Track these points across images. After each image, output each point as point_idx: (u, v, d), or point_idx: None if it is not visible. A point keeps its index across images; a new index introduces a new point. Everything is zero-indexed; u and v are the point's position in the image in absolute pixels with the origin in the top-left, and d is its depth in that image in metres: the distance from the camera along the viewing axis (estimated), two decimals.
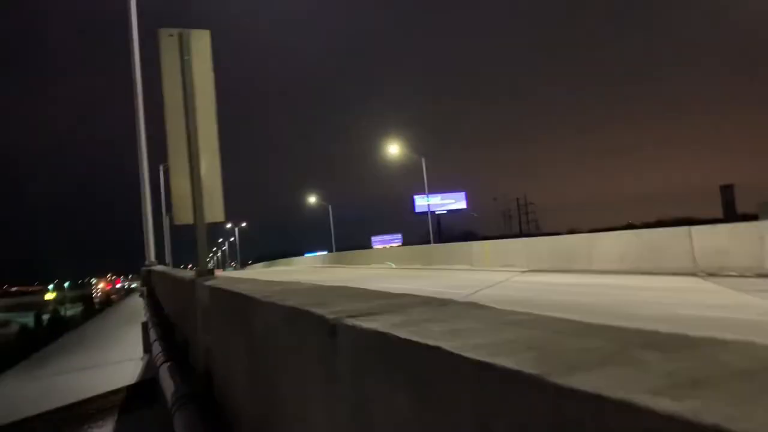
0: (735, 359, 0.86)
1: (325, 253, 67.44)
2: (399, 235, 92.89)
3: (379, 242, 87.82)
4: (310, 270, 46.62)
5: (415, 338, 1.15)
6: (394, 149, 49.83)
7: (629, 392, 0.71)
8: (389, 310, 1.60)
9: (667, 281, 13.86)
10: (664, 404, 0.66)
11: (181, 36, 5.60)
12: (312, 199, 73.16)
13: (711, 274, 14.11)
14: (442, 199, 69.66)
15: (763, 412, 0.63)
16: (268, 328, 2.25)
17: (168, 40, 5.59)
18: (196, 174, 5.51)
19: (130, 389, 10.81)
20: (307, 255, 79.54)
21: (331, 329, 1.53)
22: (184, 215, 5.53)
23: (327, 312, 1.61)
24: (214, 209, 5.63)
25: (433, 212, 57.32)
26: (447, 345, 1.05)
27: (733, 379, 0.76)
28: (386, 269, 31.57)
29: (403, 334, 1.21)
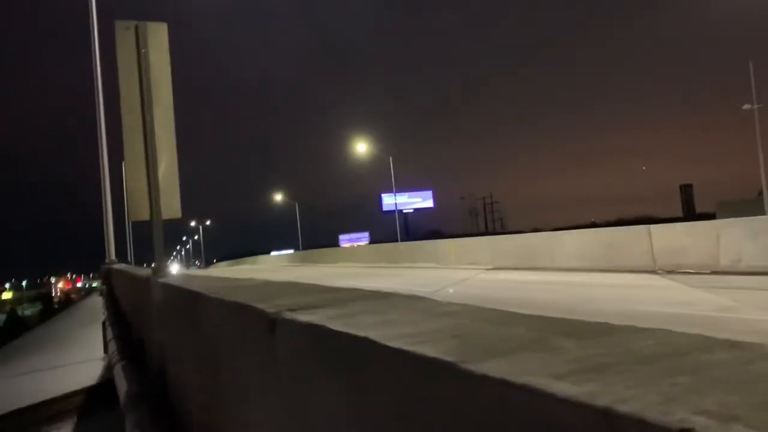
0: (647, 345, 0.88)
1: (292, 251, 67.07)
2: (366, 234, 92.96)
3: (346, 241, 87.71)
4: (275, 269, 46.30)
5: (345, 329, 1.15)
6: (362, 148, 49.81)
7: (533, 377, 0.72)
8: (330, 304, 1.60)
9: (627, 279, 14.17)
10: (563, 388, 0.67)
11: (137, 28, 5.49)
12: (279, 198, 72.65)
13: (669, 272, 14.45)
14: (409, 198, 69.92)
15: (655, 394, 0.64)
16: (214, 324, 2.23)
17: (124, 32, 5.48)
18: (153, 169, 5.41)
19: (90, 390, 10.57)
20: (273, 254, 78.94)
21: (271, 323, 1.52)
22: (140, 211, 5.43)
23: (268, 306, 1.60)
24: (171, 206, 5.54)
25: (400, 211, 57.49)
26: (375, 335, 1.05)
27: (639, 364, 0.78)
28: (353, 267, 31.54)
29: (335, 325, 1.21)
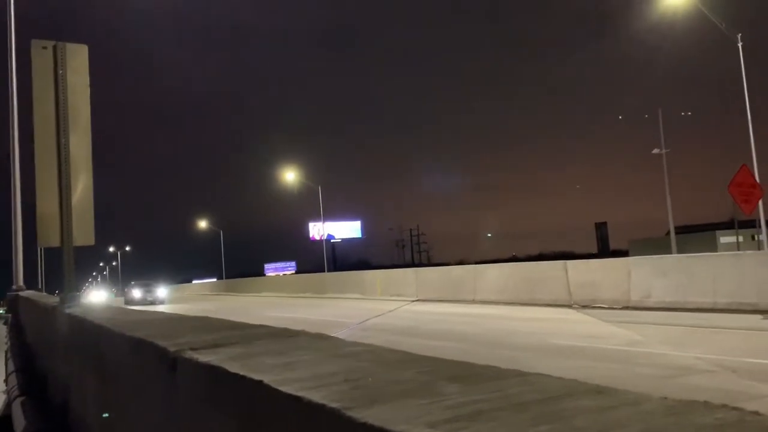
0: (524, 391, 0.94)
1: (215, 280, 65.29)
2: (293, 263, 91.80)
3: (272, 270, 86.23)
4: (196, 297, 44.91)
5: (243, 372, 1.15)
6: (291, 177, 49.42)
7: (410, 425, 0.75)
8: (235, 342, 1.59)
9: (544, 312, 14.63)
10: None
11: (56, 48, 5.31)
12: (203, 224, 70.78)
13: (584, 306, 15.03)
14: (337, 228, 69.77)
15: None
16: (117, 361, 2.15)
17: (41, 52, 5.28)
18: (66, 194, 5.19)
19: None
20: (196, 282, 76.54)
21: (172, 362, 1.49)
22: (50, 237, 5.18)
23: (170, 344, 1.57)
24: (85, 232, 5.31)
25: (328, 240, 57.24)
26: (270, 378, 1.06)
27: (511, 411, 0.82)
28: (278, 297, 31.03)
29: (233, 367, 1.20)
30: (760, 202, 14.90)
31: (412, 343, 9.16)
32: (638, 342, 9.05)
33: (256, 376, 1.08)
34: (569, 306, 15.33)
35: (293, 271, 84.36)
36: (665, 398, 0.87)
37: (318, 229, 55.92)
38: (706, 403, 0.84)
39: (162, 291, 36.28)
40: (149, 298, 33.81)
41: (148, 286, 36.23)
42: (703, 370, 6.55)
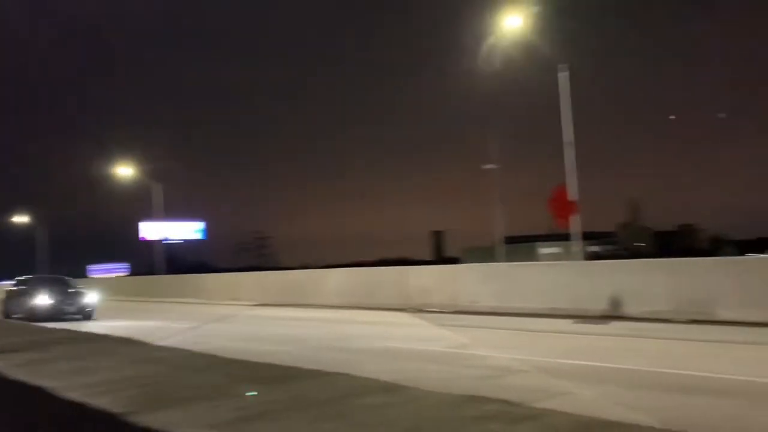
0: (322, 390, 0.96)
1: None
2: (126, 265, 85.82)
3: (99, 272, 79.67)
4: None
5: (24, 378, 1.06)
6: (127, 172, 46.19)
7: (192, 428, 0.75)
8: (33, 347, 1.47)
9: (382, 315, 15.08)
10: None
11: None
12: (21, 220, 63.78)
13: (419, 310, 15.69)
14: (177, 228, 66.43)
15: None
16: None
17: None
18: None
19: None
20: (3, 283, 68.80)
21: None
22: None
23: None
24: None
25: (165, 241, 54.32)
26: (54, 385, 0.99)
27: (299, 410, 0.85)
28: (107, 301, 28.80)
29: (17, 373, 1.11)
30: (575, 217, 16.54)
31: (249, 348, 8.97)
32: (465, 345, 9.62)
33: (37, 382, 1.01)
34: (405, 310, 15.92)
35: (126, 273, 78.92)
36: (448, 394, 0.95)
37: (152, 230, 52.95)
38: (481, 398, 0.93)
39: (91, 297, 18.70)
40: (68, 309, 18.09)
41: (62, 288, 19.26)
42: (518, 371, 7.11)
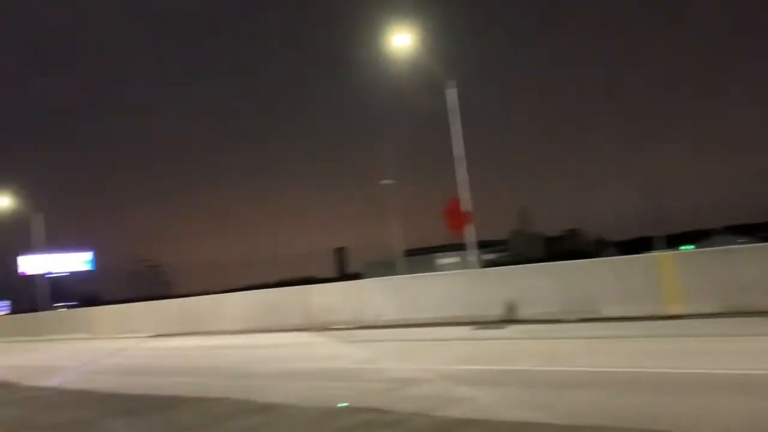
0: (195, 417, 0.96)
1: None
2: (6, 303, 79.21)
3: None
4: None
5: None
6: (3, 202, 42.72)
7: None
8: None
9: (286, 337, 14.85)
10: None
11: None
12: None
13: (324, 329, 15.58)
14: (62, 260, 62.13)
15: None
16: None
17: None
18: None
19: None
20: None
21: None
22: None
23: None
24: None
25: (49, 274, 50.66)
26: None
27: None
28: None
29: None
30: (469, 227, 17.10)
31: (145, 382, 8.48)
32: (370, 359, 9.68)
33: None
34: (310, 329, 15.77)
35: (7, 312, 72.90)
36: (323, 408, 0.97)
37: (33, 263, 49.37)
38: (355, 409, 0.95)
39: None
40: None
41: None
42: (423, 380, 7.24)
